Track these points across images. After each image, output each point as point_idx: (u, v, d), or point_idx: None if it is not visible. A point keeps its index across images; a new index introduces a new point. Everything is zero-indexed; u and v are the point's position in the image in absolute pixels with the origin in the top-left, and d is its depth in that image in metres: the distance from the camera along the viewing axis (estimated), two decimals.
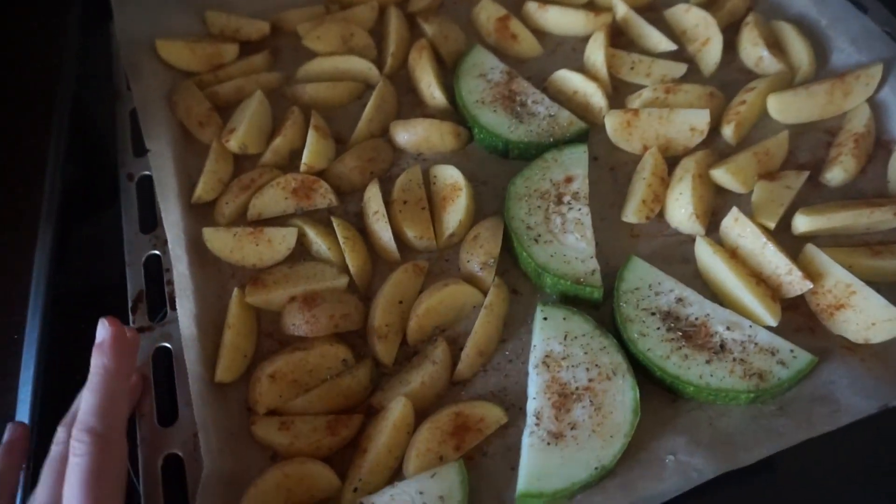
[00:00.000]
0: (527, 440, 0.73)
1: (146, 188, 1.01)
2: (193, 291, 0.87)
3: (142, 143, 1.02)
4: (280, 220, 0.97)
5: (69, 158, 1.05)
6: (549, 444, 0.72)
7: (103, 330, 0.74)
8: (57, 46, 1.18)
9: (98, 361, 0.72)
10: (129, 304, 0.91)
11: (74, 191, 1.06)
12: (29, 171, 1.06)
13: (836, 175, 0.94)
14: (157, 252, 0.95)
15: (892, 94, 0.98)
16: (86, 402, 0.69)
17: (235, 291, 0.88)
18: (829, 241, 0.89)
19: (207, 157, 1.00)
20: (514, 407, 0.80)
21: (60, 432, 0.71)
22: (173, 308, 0.89)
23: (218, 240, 0.92)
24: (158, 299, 0.92)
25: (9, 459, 0.75)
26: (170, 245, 0.91)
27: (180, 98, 1.07)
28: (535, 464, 0.72)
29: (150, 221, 0.99)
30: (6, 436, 0.77)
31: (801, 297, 0.84)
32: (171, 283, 0.90)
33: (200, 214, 0.97)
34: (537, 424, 0.74)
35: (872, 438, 0.81)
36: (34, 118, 1.09)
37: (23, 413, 0.86)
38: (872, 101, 0.99)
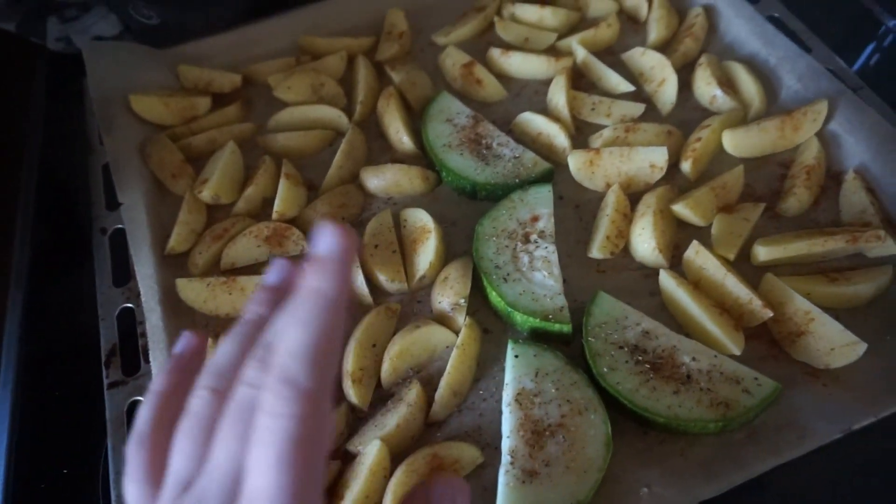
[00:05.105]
0: (502, 479, 0.74)
1: (119, 242, 1.02)
2: (167, 343, 0.87)
3: (115, 197, 1.03)
4: (253, 269, 0.98)
5: (39, 218, 1.05)
6: (523, 482, 0.73)
7: (331, 237, 0.50)
8: (25, 105, 1.19)
9: (312, 283, 0.48)
10: (103, 359, 0.91)
11: (46, 249, 1.06)
12: None
13: (791, 206, 0.97)
14: (130, 305, 0.96)
15: (839, 128, 1.03)
16: (293, 340, 0.46)
17: (209, 342, 0.88)
18: (787, 269, 0.92)
19: (180, 208, 1.02)
20: (490, 446, 0.80)
21: (252, 372, 0.47)
22: (147, 361, 0.89)
23: (191, 290, 0.93)
24: (132, 353, 0.91)
25: (181, 375, 0.55)
26: (143, 297, 0.91)
27: (153, 150, 1.08)
28: (510, 503, 0.72)
29: (124, 275, 0.99)
30: (178, 347, 0.60)
31: (764, 326, 0.87)
32: (144, 335, 0.90)
33: (174, 266, 0.98)
34: (512, 463, 0.75)
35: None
36: (2, 178, 1.09)
37: None
38: (821, 135, 1.04)
